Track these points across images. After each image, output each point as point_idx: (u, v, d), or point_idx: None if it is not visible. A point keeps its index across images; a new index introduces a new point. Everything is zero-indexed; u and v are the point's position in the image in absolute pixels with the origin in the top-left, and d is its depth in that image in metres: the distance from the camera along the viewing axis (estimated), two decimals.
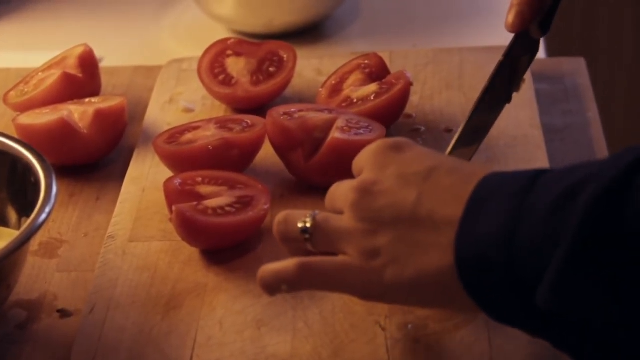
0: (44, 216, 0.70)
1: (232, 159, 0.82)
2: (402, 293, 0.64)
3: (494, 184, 0.62)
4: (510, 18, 0.76)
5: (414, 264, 0.63)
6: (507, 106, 0.83)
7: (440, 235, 0.62)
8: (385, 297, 0.66)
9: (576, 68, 0.97)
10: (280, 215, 0.69)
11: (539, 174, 0.60)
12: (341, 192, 0.67)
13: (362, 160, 0.68)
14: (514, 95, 0.80)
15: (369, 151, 0.67)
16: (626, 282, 0.55)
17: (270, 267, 0.67)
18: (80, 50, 0.93)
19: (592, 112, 0.92)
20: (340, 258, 0.66)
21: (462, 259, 0.61)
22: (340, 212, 0.67)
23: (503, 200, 0.60)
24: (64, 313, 0.76)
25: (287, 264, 0.66)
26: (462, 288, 0.61)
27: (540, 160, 0.84)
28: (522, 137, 0.86)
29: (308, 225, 0.67)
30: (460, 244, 0.61)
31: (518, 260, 0.58)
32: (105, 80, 0.96)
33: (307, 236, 0.67)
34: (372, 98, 0.87)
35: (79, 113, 0.87)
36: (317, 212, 0.67)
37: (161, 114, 0.93)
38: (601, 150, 0.88)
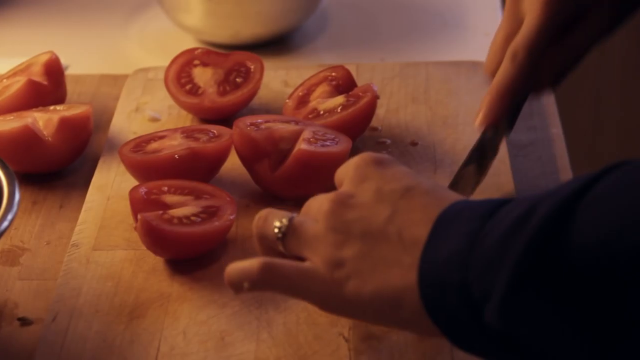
0: (6, 224, 0.69)
1: (198, 168, 0.82)
2: (361, 308, 0.65)
3: (459, 209, 0.63)
4: (479, 118, 0.78)
5: (375, 280, 0.64)
6: (472, 122, 0.84)
7: (406, 254, 0.63)
8: (344, 310, 0.66)
9: None
10: (263, 212, 0.69)
11: (503, 202, 0.62)
12: (318, 201, 0.68)
13: (343, 172, 0.69)
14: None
15: (351, 164, 0.69)
16: (569, 301, 0.56)
17: (236, 265, 0.67)
18: (45, 57, 0.93)
19: (556, 129, 0.93)
20: (305, 264, 0.66)
21: (423, 280, 0.62)
22: (315, 221, 0.67)
23: (464, 224, 0.61)
24: (24, 321, 0.75)
25: (252, 262, 0.66)
26: (422, 309, 0.62)
27: (504, 174, 0.84)
28: None
29: (284, 225, 0.67)
30: (423, 264, 0.62)
31: (472, 282, 0.59)
32: (70, 88, 0.96)
33: (279, 236, 0.67)
34: (338, 110, 0.87)
35: (44, 120, 0.87)
36: (296, 214, 0.68)
37: (127, 123, 0.92)
38: (564, 166, 0.89)
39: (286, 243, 0.67)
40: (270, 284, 0.67)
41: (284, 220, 0.67)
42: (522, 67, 0.75)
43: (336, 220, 0.65)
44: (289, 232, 0.67)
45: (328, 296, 0.65)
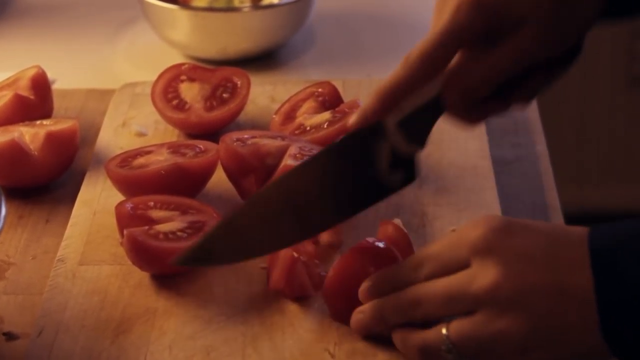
0: None
1: (184, 184, 0.82)
2: None
3: (608, 245, 0.64)
4: (352, 117, 0.72)
5: (560, 348, 0.65)
6: (457, 137, 0.84)
7: (583, 310, 0.64)
8: None
9: None
10: (413, 349, 0.68)
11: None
12: (468, 293, 0.66)
13: (469, 251, 0.67)
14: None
15: (479, 243, 0.67)
16: None
17: None
18: (32, 72, 0.93)
19: (541, 145, 0.93)
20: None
21: (612, 334, 0.63)
22: (462, 313, 0.67)
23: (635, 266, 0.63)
24: (10, 336, 0.75)
25: None
26: (608, 352, 0.64)
27: (488, 190, 0.85)
28: (471, 168, 0.87)
29: (451, 350, 0.67)
30: (606, 318, 0.63)
31: None
32: (57, 102, 0.96)
33: (451, 356, 0.67)
34: (325, 126, 0.88)
35: (30, 135, 0.87)
36: (442, 330, 0.67)
37: (114, 138, 0.92)
38: (549, 183, 0.89)
39: (462, 354, 0.67)
40: None
41: (444, 333, 0.67)
42: (410, 70, 0.70)
43: (509, 299, 0.65)
44: (460, 346, 0.66)
45: None
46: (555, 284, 0.65)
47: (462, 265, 0.67)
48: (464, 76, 0.71)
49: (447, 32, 0.70)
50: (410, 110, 0.72)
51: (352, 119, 0.72)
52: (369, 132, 0.72)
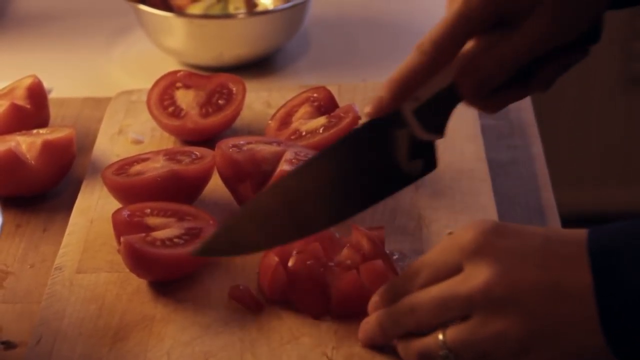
0: None
1: (180, 190, 0.83)
2: None
3: (607, 247, 0.64)
4: (369, 105, 0.72)
5: (563, 348, 0.65)
6: (453, 141, 0.84)
7: (582, 309, 0.64)
8: None
9: (521, 104, 0.98)
10: (414, 356, 0.68)
11: None
12: (461, 296, 0.66)
13: (461, 255, 0.67)
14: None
15: (470, 246, 0.67)
16: None
17: None
18: (29, 81, 0.93)
19: (536, 147, 0.94)
20: None
21: (614, 337, 0.63)
22: (457, 318, 0.67)
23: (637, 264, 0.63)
24: (8, 345, 0.75)
25: None
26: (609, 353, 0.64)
27: (485, 193, 0.85)
28: (467, 170, 0.87)
29: (448, 356, 0.67)
30: (607, 319, 0.63)
31: None
32: (54, 111, 0.96)
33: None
34: (320, 131, 0.88)
35: (27, 144, 0.87)
36: (439, 336, 0.67)
37: (110, 145, 0.93)
38: (545, 185, 0.90)
39: (461, 359, 0.67)
40: None
41: (440, 339, 0.67)
42: (423, 57, 0.70)
43: (507, 303, 0.65)
44: (458, 351, 0.66)
45: None
46: (550, 281, 0.65)
47: (454, 270, 0.67)
48: (476, 64, 0.70)
49: (458, 19, 0.69)
50: (426, 99, 0.72)
51: (368, 108, 0.72)
52: (387, 120, 0.71)
